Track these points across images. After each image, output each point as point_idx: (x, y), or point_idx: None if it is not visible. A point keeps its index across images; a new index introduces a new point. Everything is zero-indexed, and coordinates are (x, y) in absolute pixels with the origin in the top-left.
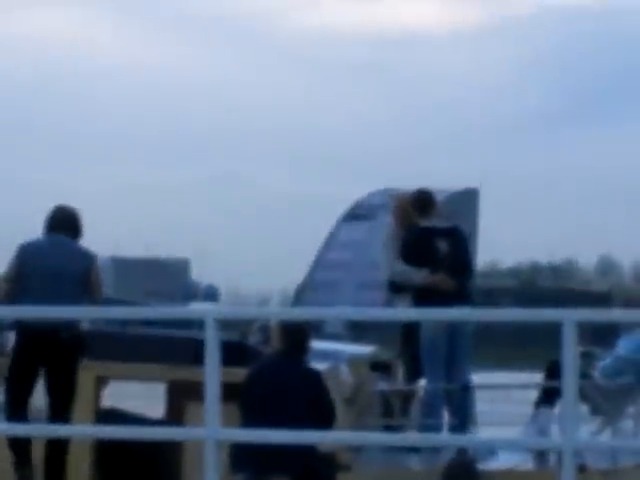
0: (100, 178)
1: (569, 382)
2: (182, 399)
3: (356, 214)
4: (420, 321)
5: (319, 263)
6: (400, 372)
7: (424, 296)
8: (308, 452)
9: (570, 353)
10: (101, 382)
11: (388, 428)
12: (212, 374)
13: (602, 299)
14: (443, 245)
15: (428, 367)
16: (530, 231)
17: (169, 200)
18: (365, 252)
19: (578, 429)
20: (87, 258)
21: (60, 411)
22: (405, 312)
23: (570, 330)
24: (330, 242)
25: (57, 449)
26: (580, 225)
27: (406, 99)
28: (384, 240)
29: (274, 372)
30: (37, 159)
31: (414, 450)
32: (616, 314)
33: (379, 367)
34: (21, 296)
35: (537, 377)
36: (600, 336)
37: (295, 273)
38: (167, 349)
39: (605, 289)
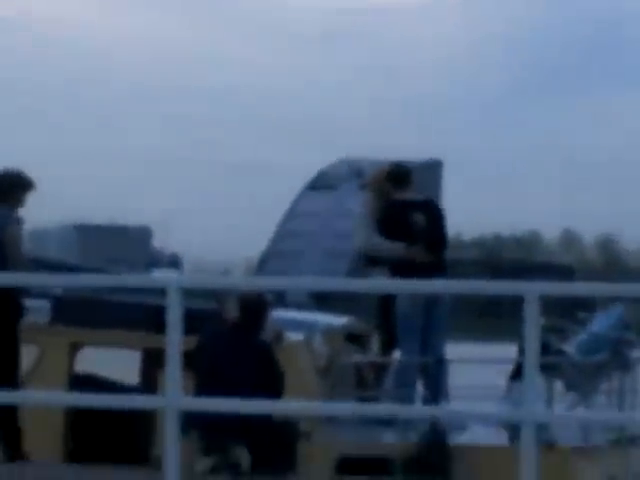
0: (65, 144)
1: (530, 355)
2: (156, 366)
3: (319, 184)
4: (396, 293)
5: (282, 232)
6: (375, 344)
7: (400, 269)
8: (265, 421)
9: (532, 326)
10: (75, 348)
11: (362, 399)
12: (174, 343)
13: (565, 271)
14: (419, 218)
15: (403, 339)
16: (494, 204)
17: (134, 168)
18: (328, 222)
19: (538, 402)
20: (2, 224)
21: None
22: (372, 283)
23: (532, 304)
24: (293, 211)
25: (7, 416)
26: (543, 198)
27: (373, 69)
28: (359, 213)
29: (225, 343)
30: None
31: (387, 423)
32: (578, 287)
33: (354, 338)
34: None
35: (511, 350)
36: (565, 309)
37: (258, 243)
38: (142, 316)
39: (568, 262)
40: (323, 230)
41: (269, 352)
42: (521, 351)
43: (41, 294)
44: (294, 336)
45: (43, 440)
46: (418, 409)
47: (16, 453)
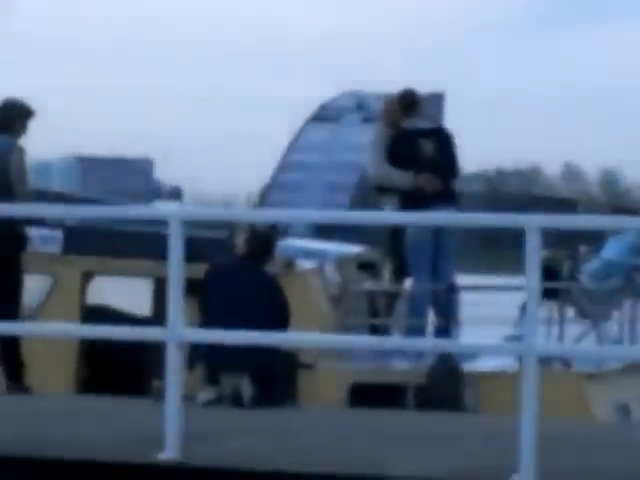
0: (67, 78)
1: (531, 287)
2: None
3: (322, 116)
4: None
5: (284, 165)
6: (387, 272)
7: (410, 198)
8: (267, 351)
9: (533, 258)
10: (87, 277)
11: (374, 327)
12: (176, 274)
13: (568, 204)
14: (428, 146)
15: (414, 267)
16: (496, 137)
17: (136, 100)
18: (331, 154)
19: (538, 334)
20: (5, 153)
21: (3, 307)
22: (375, 215)
23: (533, 235)
24: (295, 144)
25: (9, 347)
26: (545, 132)
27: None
28: (370, 142)
29: (232, 274)
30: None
31: (399, 350)
32: (579, 220)
33: (366, 267)
34: None
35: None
36: (568, 242)
37: (260, 175)
38: (154, 245)
39: (570, 195)
40: (325, 162)
41: (274, 283)
42: None
43: (53, 224)
44: (306, 265)
45: (56, 371)
46: (428, 342)
47: (19, 386)
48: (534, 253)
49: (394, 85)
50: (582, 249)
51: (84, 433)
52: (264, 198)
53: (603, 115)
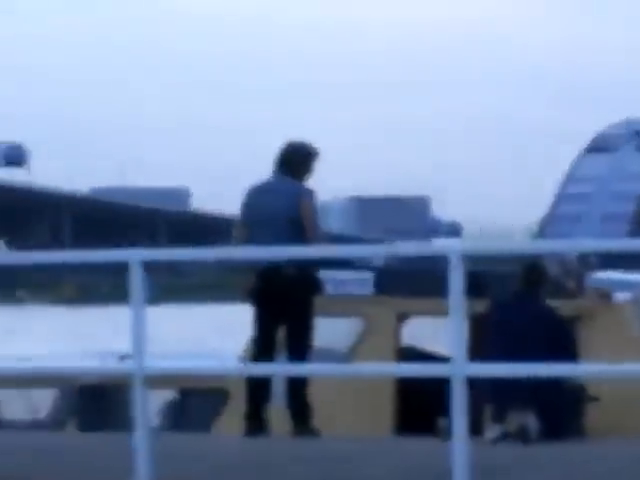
0: (341, 118)
1: None
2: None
3: (597, 146)
4: None
5: (561, 197)
6: None
7: None
8: (553, 384)
9: None
10: (401, 319)
11: None
12: (457, 309)
13: None
14: None
15: None
16: None
17: (409, 137)
18: (607, 184)
19: None
20: (297, 196)
21: (293, 348)
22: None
23: None
24: (572, 175)
25: (297, 389)
26: None
27: None
28: None
29: (510, 308)
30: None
31: None
32: None
33: None
34: (250, 240)
35: None
36: None
37: (537, 208)
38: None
39: None
40: (602, 193)
41: (554, 314)
42: None
43: (362, 266)
44: (621, 296)
45: (372, 413)
46: None
47: (304, 428)
48: None
49: None
50: None
51: (369, 473)
52: (543, 230)
53: None
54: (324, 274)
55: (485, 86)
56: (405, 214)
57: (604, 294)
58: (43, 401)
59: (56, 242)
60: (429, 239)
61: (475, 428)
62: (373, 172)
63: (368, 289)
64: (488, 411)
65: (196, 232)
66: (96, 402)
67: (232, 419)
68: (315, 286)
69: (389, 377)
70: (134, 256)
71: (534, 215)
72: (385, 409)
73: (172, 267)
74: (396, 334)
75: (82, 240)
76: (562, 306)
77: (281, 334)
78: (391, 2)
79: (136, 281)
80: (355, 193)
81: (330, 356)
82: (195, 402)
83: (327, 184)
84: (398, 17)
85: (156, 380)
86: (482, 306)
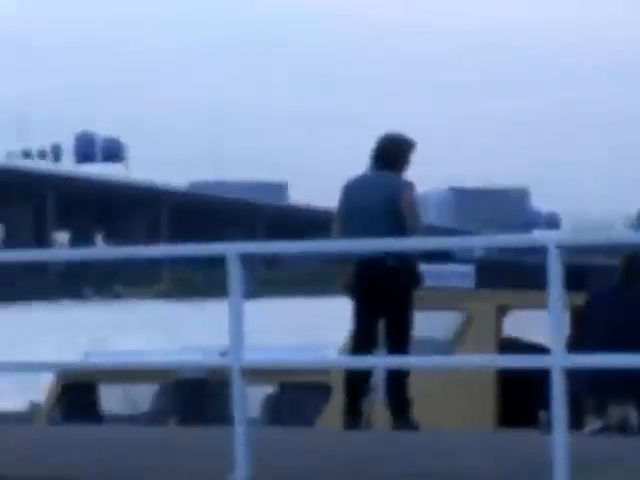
0: (437, 109)
1: None
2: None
3: None
4: None
5: None
6: None
7: None
8: None
9: None
10: (502, 312)
11: None
12: (555, 302)
13: None
14: None
15: None
16: None
17: (504, 129)
18: None
19: None
20: (396, 189)
21: (393, 341)
22: None
23: None
24: None
25: (397, 382)
26: None
27: None
28: None
29: (610, 300)
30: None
31: None
32: None
33: None
34: (349, 233)
35: None
36: None
37: (636, 199)
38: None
39: None
40: None
41: None
42: None
43: (463, 259)
44: None
45: (473, 406)
46: None
47: (404, 422)
48: None
49: None
50: None
51: (468, 465)
52: None
53: None
54: (424, 267)
55: (581, 82)
56: (503, 206)
57: None
58: (144, 396)
59: (153, 237)
60: (528, 231)
61: (577, 422)
62: (471, 164)
63: (469, 282)
64: (589, 405)
65: (295, 226)
66: (197, 396)
67: (334, 414)
68: (415, 279)
69: (490, 369)
70: (232, 250)
71: (633, 206)
72: (486, 402)
73: (272, 261)
74: (497, 327)
75: (180, 235)
76: None
77: (381, 327)
78: (490, 3)
79: (234, 275)
80: (452, 184)
81: (431, 349)
82: (298, 397)
83: (424, 175)
84: (512, 17)
85: (257, 374)
86: (582, 299)
